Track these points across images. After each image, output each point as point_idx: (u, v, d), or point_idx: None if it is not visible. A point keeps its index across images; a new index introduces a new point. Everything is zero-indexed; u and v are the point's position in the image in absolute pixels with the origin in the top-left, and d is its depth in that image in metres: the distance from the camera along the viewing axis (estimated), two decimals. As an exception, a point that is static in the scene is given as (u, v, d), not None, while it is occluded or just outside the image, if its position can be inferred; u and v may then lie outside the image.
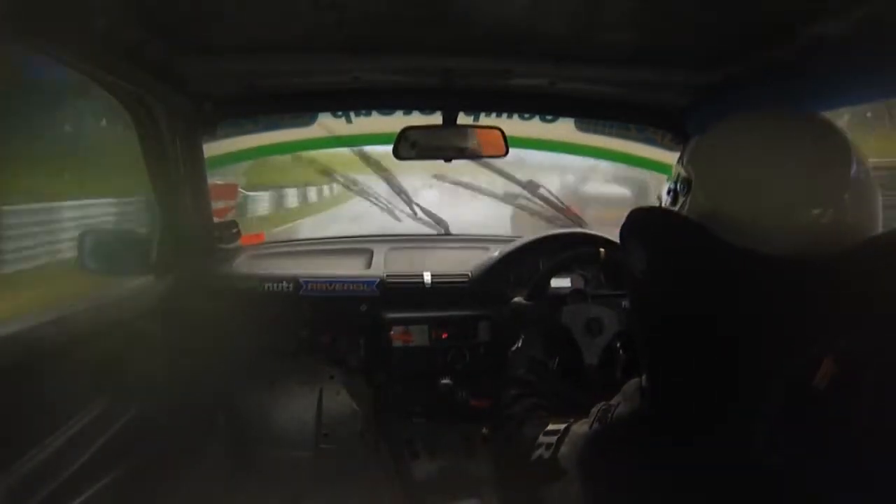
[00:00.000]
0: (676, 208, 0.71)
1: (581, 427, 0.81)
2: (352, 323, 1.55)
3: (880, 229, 0.63)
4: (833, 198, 0.61)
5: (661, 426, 0.63)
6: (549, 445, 0.82)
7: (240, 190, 6.70)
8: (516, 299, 1.40)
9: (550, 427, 0.85)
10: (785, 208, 0.61)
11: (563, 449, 0.80)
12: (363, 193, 2.04)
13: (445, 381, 1.51)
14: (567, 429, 0.82)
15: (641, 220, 0.68)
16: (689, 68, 1.11)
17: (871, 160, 0.65)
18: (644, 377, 0.76)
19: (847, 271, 0.56)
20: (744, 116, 0.70)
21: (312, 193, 10.44)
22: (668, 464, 0.61)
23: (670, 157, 1.53)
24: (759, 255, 0.59)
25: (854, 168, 0.61)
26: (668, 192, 0.74)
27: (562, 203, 2.02)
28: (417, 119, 1.47)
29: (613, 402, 0.79)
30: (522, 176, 2.02)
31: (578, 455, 0.75)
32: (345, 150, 1.89)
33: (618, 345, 1.35)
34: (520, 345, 1.26)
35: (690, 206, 0.68)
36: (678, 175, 0.71)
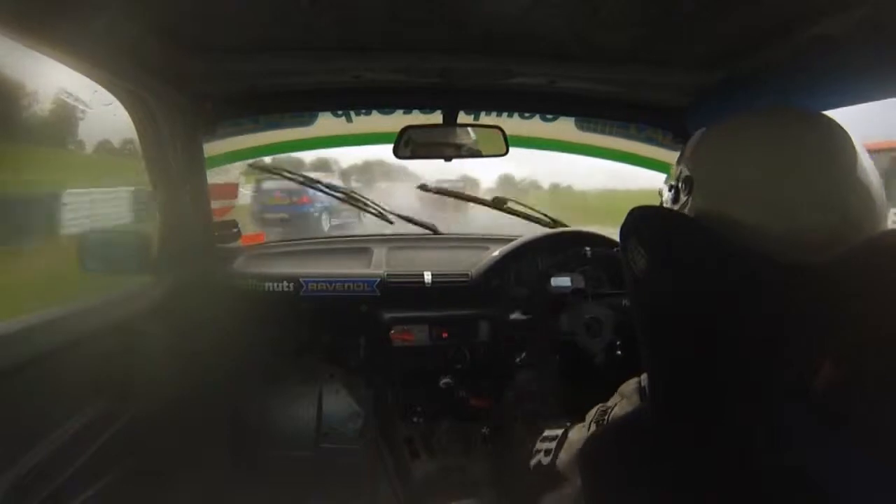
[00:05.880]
0: (678, 207, 0.70)
1: (578, 432, 0.81)
2: (352, 322, 1.55)
3: (887, 226, 0.61)
4: (839, 200, 0.59)
5: (662, 426, 0.63)
6: (547, 451, 0.82)
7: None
8: (514, 315, 1.48)
9: (547, 433, 0.85)
10: (790, 212, 0.59)
11: (562, 456, 0.80)
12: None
13: (446, 380, 1.51)
14: (564, 434, 0.82)
15: (641, 220, 0.67)
16: (690, 68, 1.10)
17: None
18: (644, 376, 0.76)
19: (846, 273, 0.56)
20: (747, 114, 0.69)
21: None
22: (669, 464, 0.61)
23: (670, 156, 1.53)
24: (758, 256, 0.59)
25: (859, 168, 0.60)
26: (670, 190, 0.73)
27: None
28: (417, 118, 1.47)
29: (610, 403, 0.79)
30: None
31: (577, 461, 0.75)
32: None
33: (618, 343, 1.36)
34: (523, 356, 1.38)
35: (692, 205, 0.67)
36: (680, 173, 0.70)
